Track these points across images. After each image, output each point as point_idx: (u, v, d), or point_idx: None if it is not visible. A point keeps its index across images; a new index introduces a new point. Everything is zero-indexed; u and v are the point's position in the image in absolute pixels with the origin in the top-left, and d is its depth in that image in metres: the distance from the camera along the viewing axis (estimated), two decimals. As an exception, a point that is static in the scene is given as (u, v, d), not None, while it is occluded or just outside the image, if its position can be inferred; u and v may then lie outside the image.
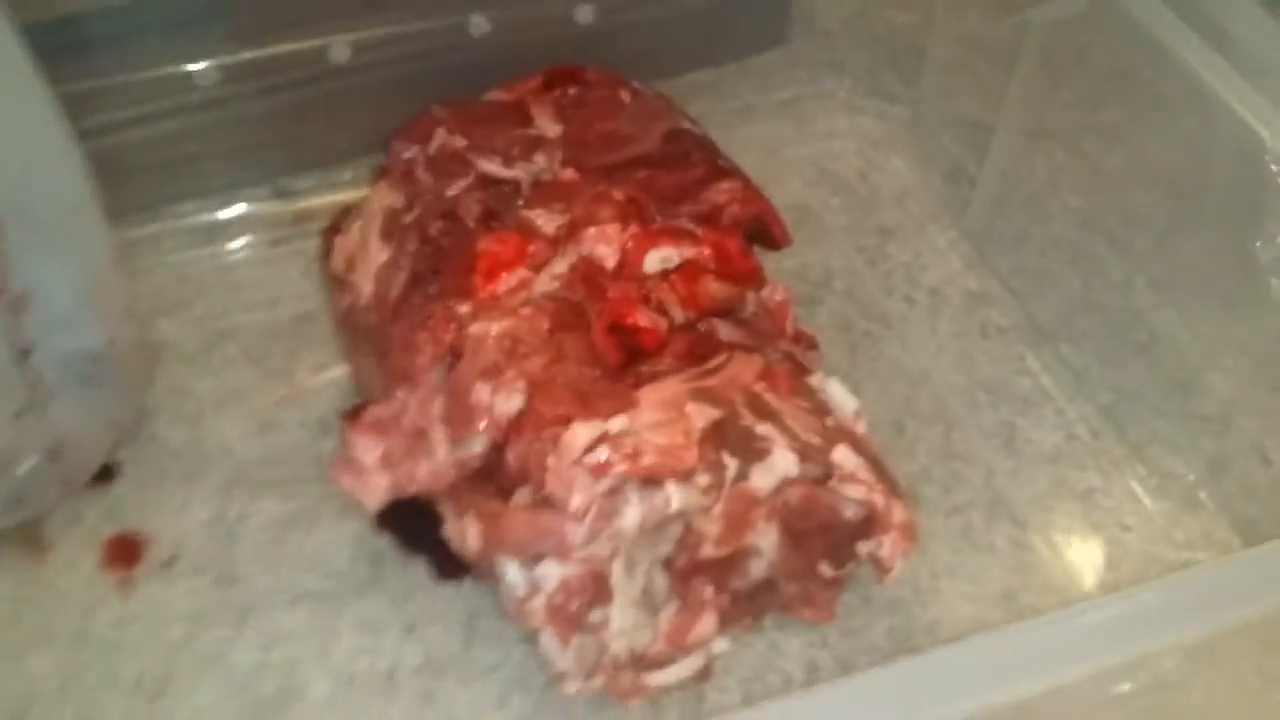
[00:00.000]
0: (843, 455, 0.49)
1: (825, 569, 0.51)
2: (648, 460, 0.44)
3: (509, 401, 0.46)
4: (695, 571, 0.48)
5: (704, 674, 0.50)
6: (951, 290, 0.66)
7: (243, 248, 0.67)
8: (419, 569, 0.55)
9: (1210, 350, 0.59)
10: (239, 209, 0.69)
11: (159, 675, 0.52)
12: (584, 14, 0.68)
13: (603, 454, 0.44)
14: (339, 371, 0.61)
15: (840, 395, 0.52)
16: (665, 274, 0.49)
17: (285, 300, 0.65)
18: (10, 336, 0.49)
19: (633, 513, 0.44)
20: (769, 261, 0.63)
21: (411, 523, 0.53)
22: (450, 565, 0.53)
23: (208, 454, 0.59)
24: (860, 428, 0.52)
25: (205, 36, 0.65)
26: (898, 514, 0.50)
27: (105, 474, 0.57)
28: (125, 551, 0.55)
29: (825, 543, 0.50)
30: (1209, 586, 0.41)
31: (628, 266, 0.49)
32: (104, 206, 0.53)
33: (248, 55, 0.65)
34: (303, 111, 0.68)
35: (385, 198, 0.53)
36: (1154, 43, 0.55)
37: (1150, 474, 0.59)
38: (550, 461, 0.44)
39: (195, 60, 0.64)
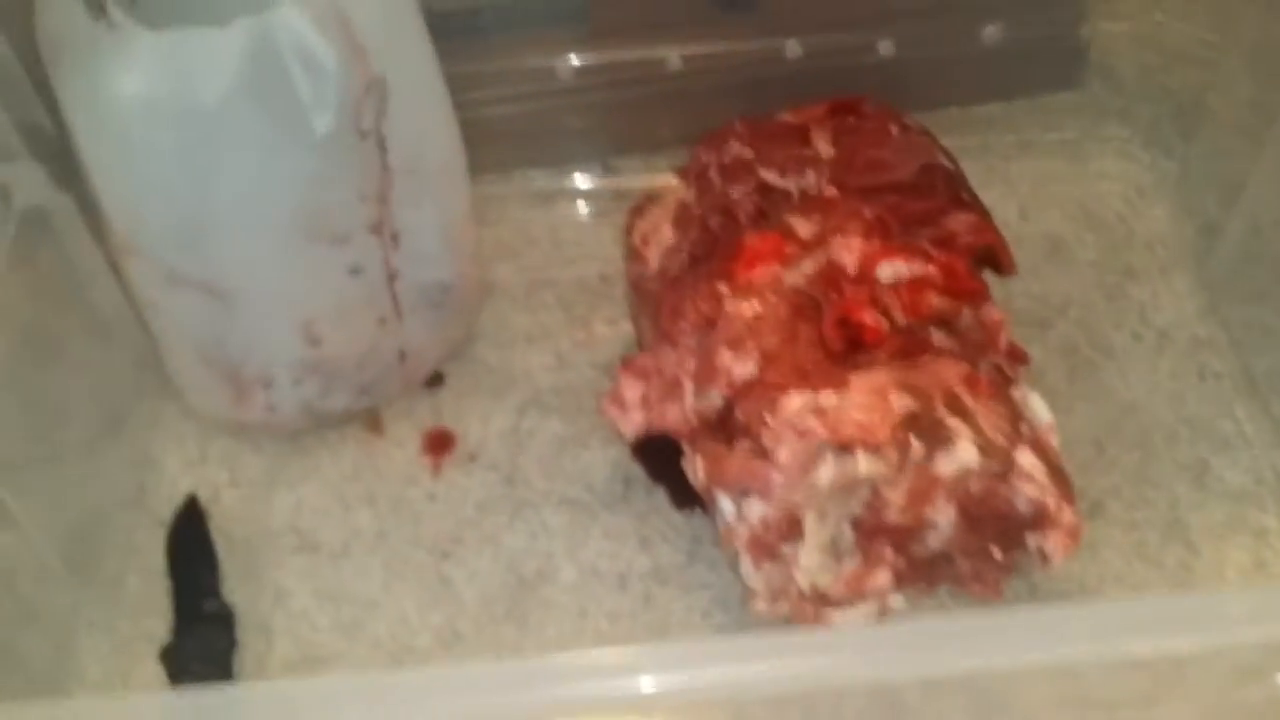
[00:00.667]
0: (1025, 457, 0.57)
1: (996, 552, 0.59)
2: (845, 431, 0.54)
3: (744, 367, 0.56)
4: (878, 532, 0.58)
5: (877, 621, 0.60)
6: (1179, 333, 0.72)
7: (571, 212, 0.81)
8: (660, 496, 0.66)
9: None
10: (573, 180, 0.82)
11: (450, 541, 0.65)
12: (886, 47, 0.77)
13: (810, 420, 0.54)
14: (627, 327, 0.73)
15: (1038, 407, 0.60)
16: (895, 283, 0.59)
17: (597, 261, 0.77)
18: (385, 263, 0.63)
19: (827, 471, 0.54)
20: (1015, 282, 0.72)
21: (660, 456, 0.64)
22: (686, 496, 0.64)
23: (514, 377, 0.72)
24: (1052, 439, 0.60)
25: (568, 37, 0.79)
26: (1067, 516, 0.57)
27: (435, 379, 0.72)
28: (440, 443, 0.70)
29: (997, 528, 0.58)
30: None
31: (864, 273, 0.59)
32: (468, 167, 0.67)
33: (600, 56, 0.78)
34: (636, 106, 0.80)
35: (680, 192, 0.65)
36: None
37: (1327, 528, 0.63)
38: (768, 419, 0.55)
39: (558, 55, 0.78)
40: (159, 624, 0.63)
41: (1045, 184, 0.80)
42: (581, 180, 0.82)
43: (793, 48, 0.77)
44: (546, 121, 0.80)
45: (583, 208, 0.81)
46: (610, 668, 0.44)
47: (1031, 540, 0.58)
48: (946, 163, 0.65)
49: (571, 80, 0.78)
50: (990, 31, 0.78)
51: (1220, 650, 0.44)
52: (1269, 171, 0.69)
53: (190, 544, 0.66)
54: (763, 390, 0.55)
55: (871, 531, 0.58)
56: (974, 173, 0.70)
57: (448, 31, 0.65)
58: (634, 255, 0.66)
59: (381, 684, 0.43)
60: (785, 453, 0.54)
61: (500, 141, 0.80)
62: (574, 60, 0.77)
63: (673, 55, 0.77)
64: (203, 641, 0.62)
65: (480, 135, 0.71)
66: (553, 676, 0.43)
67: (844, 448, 0.54)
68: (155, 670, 0.61)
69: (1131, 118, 0.82)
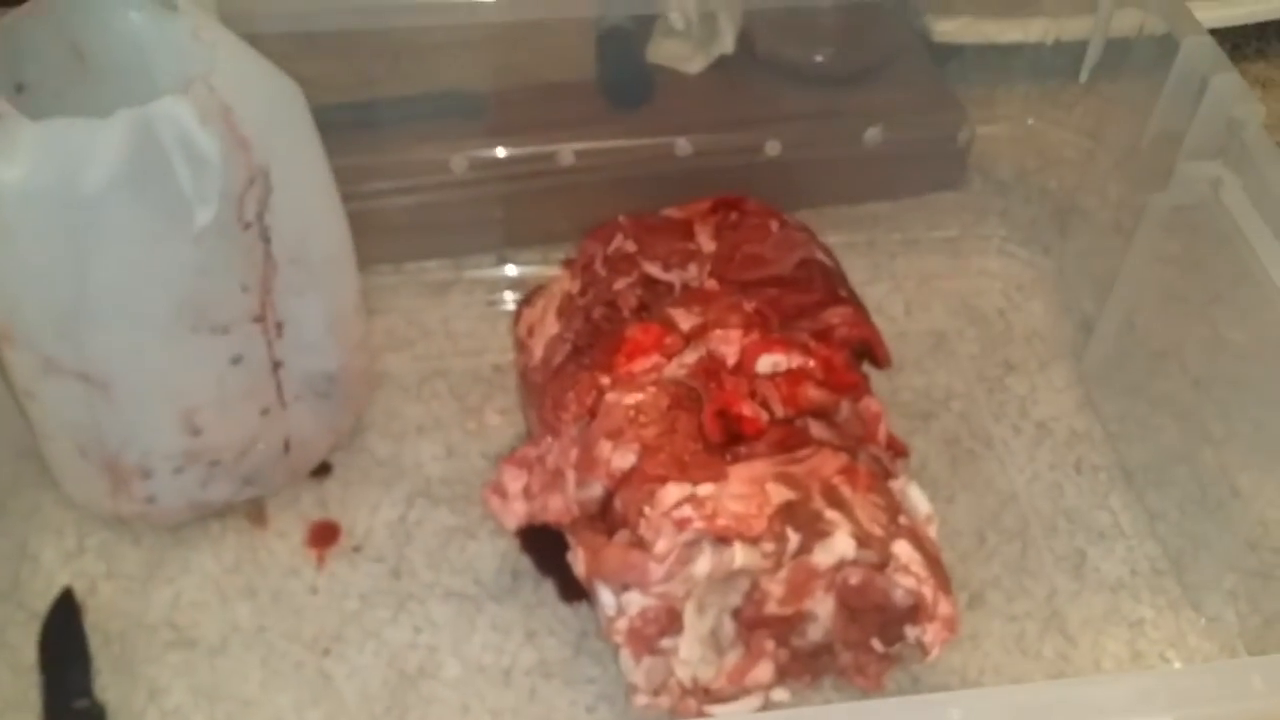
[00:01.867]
0: (902, 549, 0.58)
1: (877, 644, 0.60)
2: (721, 522, 0.54)
3: (623, 458, 0.57)
4: (759, 624, 0.58)
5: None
6: (1057, 426, 0.74)
7: (465, 304, 0.81)
8: (549, 588, 0.66)
9: (1285, 516, 0.64)
10: (468, 271, 0.82)
11: (331, 636, 0.64)
12: (773, 147, 0.79)
13: (687, 511, 0.54)
14: (519, 417, 0.73)
15: (917, 499, 0.61)
16: (774, 375, 0.60)
17: (490, 351, 0.78)
18: (269, 351, 0.63)
19: (704, 562, 0.54)
20: (898, 375, 0.73)
21: (549, 548, 0.64)
22: (573, 589, 0.64)
23: (403, 467, 0.72)
24: (931, 530, 0.61)
25: (463, 131, 0.80)
26: (944, 607, 0.58)
27: (322, 470, 0.71)
28: (325, 534, 0.69)
29: (877, 621, 0.59)
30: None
31: (744, 365, 0.60)
32: (360, 256, 0.67)
33: (493, 152, 0.79)
34: (531, 199, 0.81)
35: (566, 283, 0.66)
36: (1246, 243, 0.62)
37: (1200, 617, 0.65)
38: (646, 510, 0.55)
39: (452, 150, 0.79)
40: (27, 722, 0.61)
41: (929, 280, 0.82)
42: (476, 271, 0.82)
43: (683, 146, 0.79)
44: (441, 214, 0.81)
45: (477, 299, 0.81)
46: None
47: (910, 632, 0.59)
48: (825, 258, 0.67)
49: (466, 173, 0.79)
50: (873, 134, 0.80)
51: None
52: (1137, 268, 0.72)
53: (63, 639, 0.64)
54: (641, 481, 0.56)
55: (752, 624, 0.58)
56: (860, 268, 0.72)
57: (340, 124, 0.65)
58: (520, 346, 0.66)
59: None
60: (663, 543, 0.54)
61: (394, 233, 0.80)
62: (469, 154, 0.78)
63: (566, 151, 0.78)
64: (72, 742, 0.60)
65: (373, 226, 0.72)
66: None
67: (721, 539, 0.54)
68: (21, 772, 0.60)
69: (1011, 217, 0.85)
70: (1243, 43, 0.96)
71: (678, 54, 0.83)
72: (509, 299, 0.80)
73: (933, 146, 0.84)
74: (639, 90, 0.83)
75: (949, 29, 0.86)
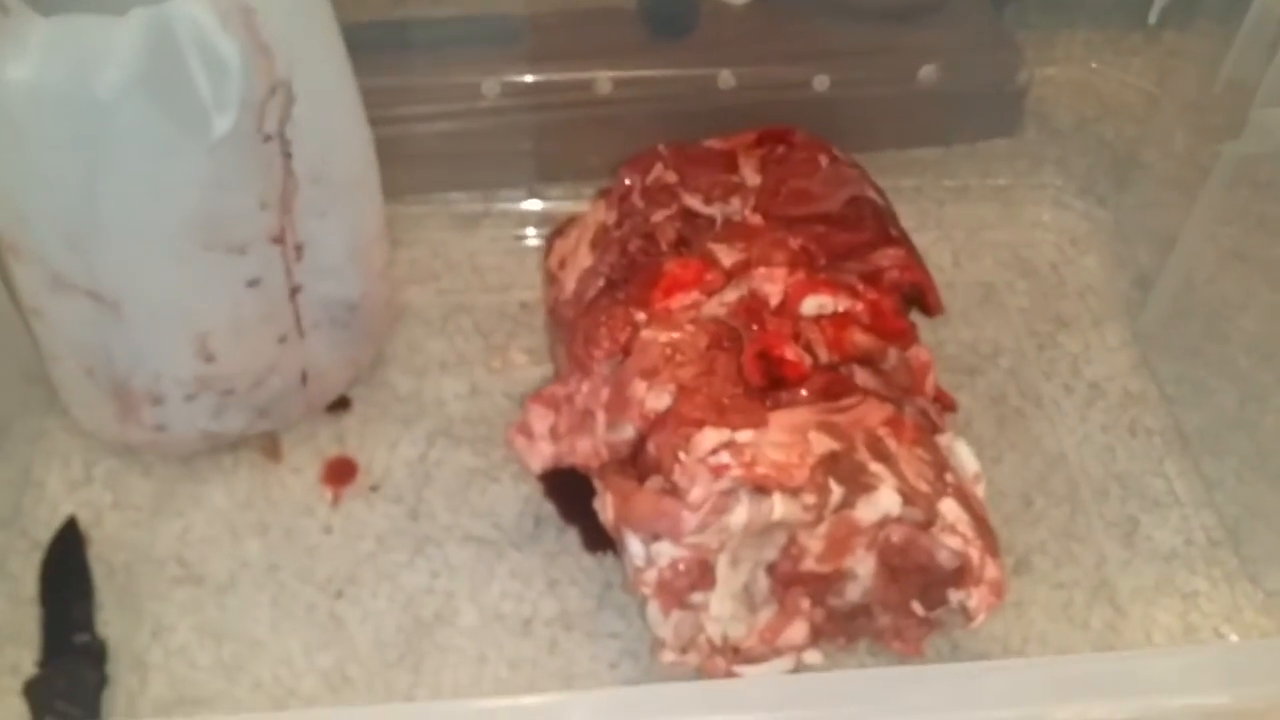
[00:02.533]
0: (949, 507, 0.55)
1: (917, 607, 0.56)
2: (761, 470, 0.51)
3: (658, 399, 0.54)
4: (795, 581, 0.55)
5: (791, 676, 0.57)
6: (1110, 386, 0.70)
7: (492, 238, 0.78)
8: (572, 536, 0.63)
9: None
10: (497, 204, 0.79)
11: (344, 578, 0.62)
12: (820, 83, 0.75)
13: (724, 457, 0.51)
14: (545, 356, 0.70)
15: (965, 456, 0.58)
16: (819, 318, 0.56)
17: (517, 288, 0.75)
18: (287, 275, 0.60)
19: (741, 512, 0.51)
20: (945, 328, 0.70)
21: (574, 495, 0.62)
22: (598, 538, 0.61)
23: (425, 404, 0.69)
24: (979, 489, 0.58)
25: (496, 56, 0.76)
26: (990, 571, 0.55)
27: (340, 404, 0.68)
28: (341, 471, 0.66)
29: (919, 582, 0.56)
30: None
31: (788, 306, 0.56)
32: (386, 185, 0.64)
33: (528, 77, 0.76)
34: (565, 130, 0.78)
35: (601, 214, 0.63)
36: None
37: (1257, 591, 0.62)
38: (681, 456, 0.52)
39: (484, 74, 0.75)
40: (26, 655, 0.59)
41: (978, 230, 0.78)
42: (505, 205, 0.79)
43: (726, 79, 0.75)
44: (471, 143, 0.78)
45: (505, 233, 0.78)
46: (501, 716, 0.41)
47: (954, 596, 0.56)
48: (876, 197, 0.63)
49: (498, 100, 0.75)
50: (926, 73, 0.76)
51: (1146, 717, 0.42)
52: (1201, 226, 0.68)
53: (66, 571, 0.61)
54: (677, 424, 0.53)
55: (788, 580, 0.55)
56: (908, 216, 0.68)
57: (370, 43, 0.62)
58: (551, 279, 0.63)
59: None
60: (698, 491, 0.51)
61: (422, 161, 0.77)
62: (502, 80, 0.74)
63: (603, 79, 0.75)
64: (71, 677, 0.58)
65: (401, 154, 0.68)
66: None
67: (759, 488, 0.51)
68: (18, 706, 0.57)
69: (1067, 166, 0.81)
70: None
71: (724, -16, 0.79)
72: (538, 234, 0.77)
73: (988, 89, 0.80)
74: (683, 19, 0.79)
75: (1011, -32, 0.82)
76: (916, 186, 0.80)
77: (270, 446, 0.66)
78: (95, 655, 0.58)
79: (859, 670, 0.55)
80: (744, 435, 0.52)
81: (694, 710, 0.41)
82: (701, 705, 0.42)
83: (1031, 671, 0.46)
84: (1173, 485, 0.66)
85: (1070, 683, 0.42)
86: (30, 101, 0.51)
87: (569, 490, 0.62)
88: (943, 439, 0.58)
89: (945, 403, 0.61)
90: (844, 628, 0.58)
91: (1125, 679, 0.42)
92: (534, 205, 0.79)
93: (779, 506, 0.51)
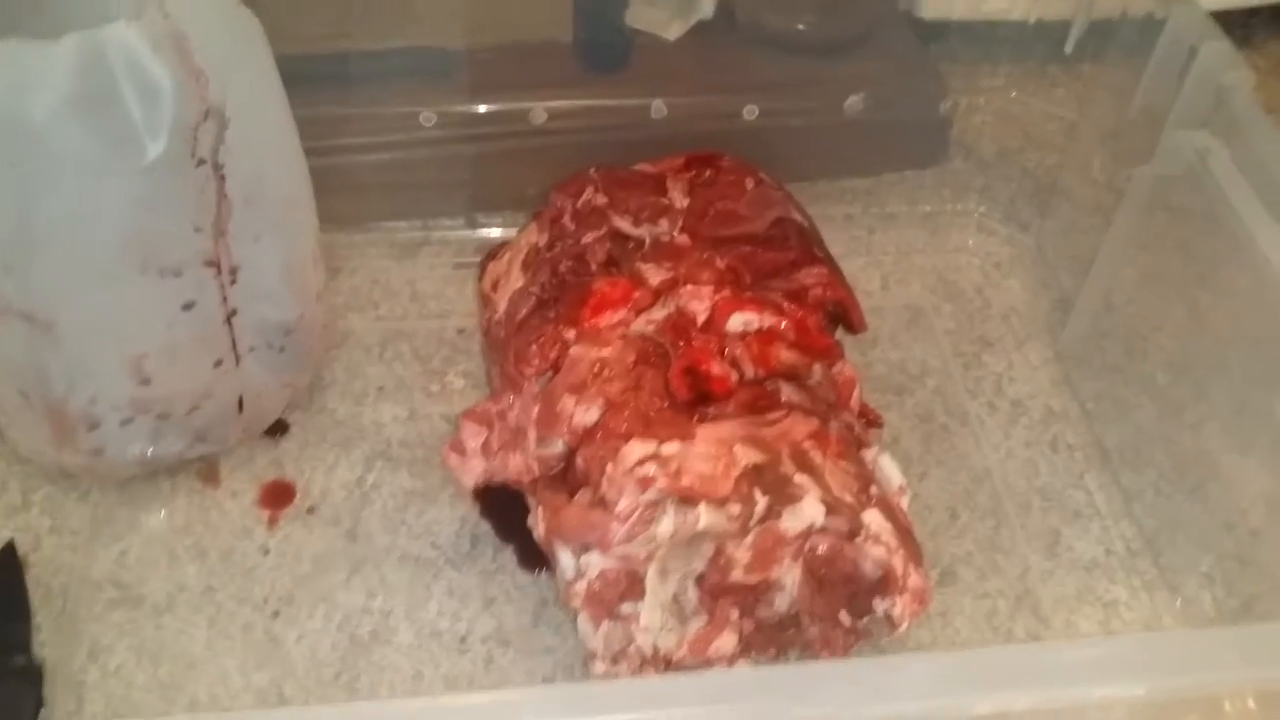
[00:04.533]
0: (872, 518, 0.56)
1: (845, 617, 0.58)
2: (686, 481, 0.52)
3: (587, 414, 0.55)
4: (724, 592, 0.56)
5: (721, 685, 0.57)
6: (1033, 404, 0.72)
7: (431, 265, 0.79)
8: (508, 555, 0.64)
9: (1262, 498, 0.63)
10: (436, 233, 0.81)
11: (281, 598, 0.62)
12: (750, 112, 0.77)
13: (650, 469, 0.52)
14: (482, 380, 0.71)
15: (890, 469, 0.59)
16: (744, 335, 0.58)
17: (455, 314, 0.76)
18: (222, 298, 0.61)
19: (667, 523, 0.52)
20: (873, 349, 0.72)
21: (510, 513, 0.63)
22: (534, 556, 0.62)
23: (363, 428, 0.70)
24: (903, 502, 0.59)
25: (434, 87, 0.78)
26: (914, 579, 0.56)
27: (278, 428, 0.69)
28: (279, 495, 0.67)
29: (846, 592, 0.57)
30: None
31: (714, 323, 0.58)
32: (327, 214, 0.65)
33: (464, 107, 0.77)
34: (502, 160, 0.79)
35: (533, 236, 0.64)
36: (1233, 213, 0.60)
37: (1175, 599, 0.63)
38: (608, 468, 0.53)
39: (423, 105, 0.77)
40: (-40, 679, 0.59)
41: (907, 254, 0.80)
42: (444, 233, 0.80)
43: (659, 108, 0.77)
44: (410, 172, 0.79)
45: (444, 260, 0.79)
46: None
47: (879, 604, 0.57)
48: (800, 219, 0.65)
49: (436, 130, 0.77)
50: (853, 102, 0.78)
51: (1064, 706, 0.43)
52: (1117, 248, 0.70)
53: (3, 593, 0.61)
54: (605, 437, 0.54)
55: (716, 591, 0.56)
56: (839, 242, 0.70)
57: (309, 75, 0.63)
58: (485, 301, 0.64)
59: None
60: (625, 502, 0.52)
61: (362, 191, 0.78)
62: (440, 110, 0.76)
63: (538, 109, 0.76)
64: (8, 698, 0.58)
65: (342, 184, 0.70)
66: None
67: (685, 499, 0.52)
68: (-50, 729, 0.57)
69: (991, 194, 0.83)
70: (1226, 31, 0.94)
71: (656, 19, 0.81)
72: (476, 262, 0.78)
73: (913, 119, 0.83)
74: (616, 53, 0.81)
75: (935, 4, 0.84)
76: (847, 214, 0.82)
77: (208, 471, 0.67)
78: (32, 677, 0.58)
79: (784, 665, 0.56)
80: (670, 448, 0.53)
81: (621, 707, 0.42)
82: (630, 701, 0.42)
83: (953, 662, 0.47)
84: (1093, 498, 0.68)
85: (991, 673, 0.43)
86: (-37, 124, 0.51)
87: (505, 509, 0.63)
88: (868, 453, 0.59)
89: (870, 418, 0.62)
90: (774, 639, 0.58)
91: (1046, 669, 0.43)
92: (474, 233, 0.80)
93: (704, 516, 0.52)
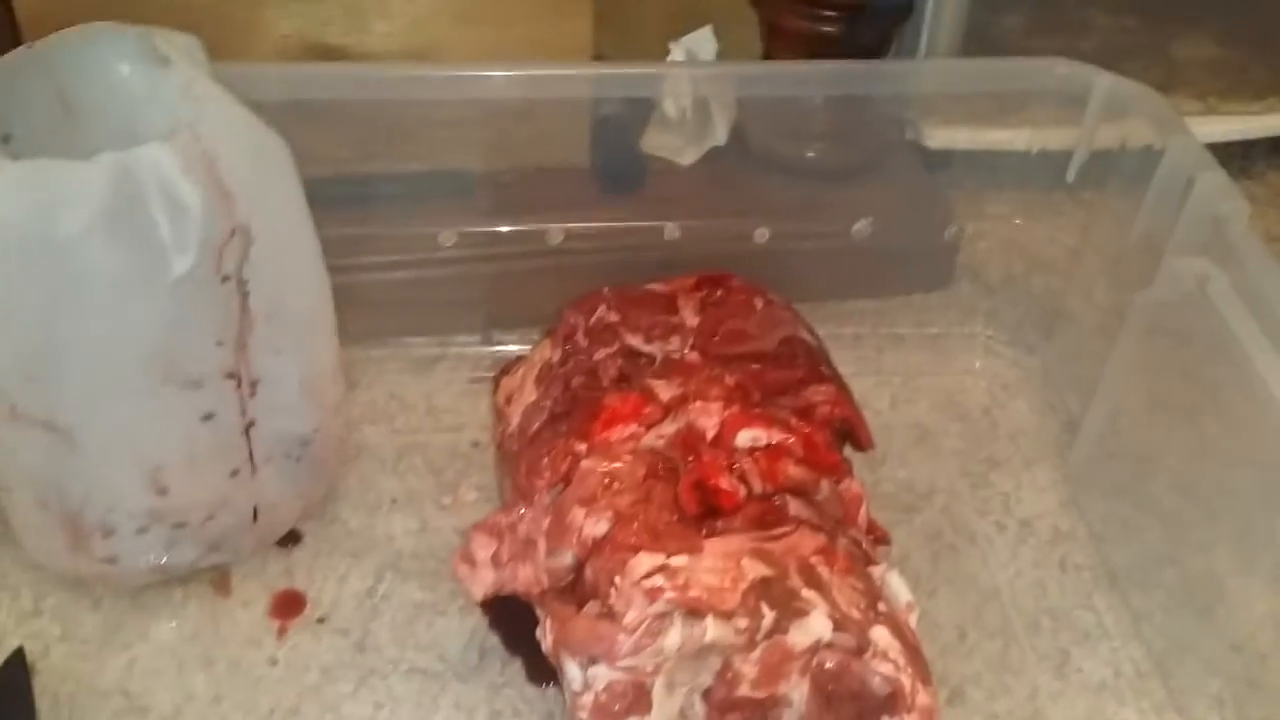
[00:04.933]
0: (880, 635, 0.56)
1: (852, 735, 0.58)
2: (694, 593, 0.53)
3: (596, 525, 0.56)
4: (731, 708, 0.56)
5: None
6: (1041, 524, 0.72)
7: (447, 381, 0.80)
8: (516, 668, 0.64)
9: (1270, 620, 0.63)
10: (452, 349, 0.82)
11: (288, 710, 0.62)
12: (761, 235, 0.79)
13: (658, 581, 0.53)
14: (495, 493, 0.72)
15: (898, 586, 0.60)
16: (753, 450, 0.59)
17: (469, 428, 0.77)
18: (241, 410, 0.62)
19: (675, 635, 0.53)
20: (882, 467, 0.72)
21: (518, 626, 0.63)
22: (542, 669, 0.62)
23: (375, 540, 0.70)
24: (911, 619, 0.59)
25: (453, 208, 0.80)
26: (922, 698, 0.56)
27: (291, 538, 0.69)
28: (289, 604, 0.67)
29: (853, 710, 0.57)
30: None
31: (723, 438, 0.59)
32: (346, 329, 0.67)
33: (483, 228, 0.80)
34: (519, 278, 0.81)
35: (547, 351, 0.65)
36: (1234, 339, 0.61)
37: (1184, 721, 0.63)
38: (617, 580, 0.54)
39: (441, 225, 0.79)
40: (-35, 787, 0.59)
41: (914, 376, 0.82)
42: (461, 349, 0.82)
43: (671, 230, 0.79)
44: (428, 291, 0.81)
45: (460, 375, 0.80)
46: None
47: (887, 722, 0.57)
48: (809, 337, 0.66)
49: (454, 250, 0.79)
50: (861, 227, 0.80)
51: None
52: (1120, 372, 0.71)
53: (9, 700, 0.62)
54: (613, 549, 0.54)
55: (724, 706, 0.56)
56: (846, 362, 0.71)
57: (332, 197, 0.65)
58: (498, 415, 0.65)
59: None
60: (633, 614, 0.53)
61: (381, 308, 0.80)
62: (458, 230, 0.78)
63: (555, 230, 0.78)
64: (9, 807, 0.58)
65: (361, 300, 0.71)
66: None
67: (693, 611, 0.53)
68: (-47, 837, 0.57)
69: (997, 317, 0.84)
70: (1226, 161, 0.96)
71: (671, 145, 0.84)
72: (492, 376, 0.79)
73: (920, 243, 0.84)
74: (632, 177, 0.83)
75: (940, 134, 0.87)
76: (856, 335, 0.84)
77: (220, 580, 0.68)
78: (35, 786, 0.59)
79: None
80: (679, 560, 0.54)
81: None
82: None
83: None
84: (1102, 619, 0.68)
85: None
86: (-4, 238, 0.53)
87: (514, 622, 0.64)
88: (876, 570, 0.60)
89: (878, 535, 0.63)
90: (781, 756, 0.58)
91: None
92: (490, 350, 0.82)
93: (712, 629, 0.53)
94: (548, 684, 0.63)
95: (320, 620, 0.66)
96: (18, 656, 0.63)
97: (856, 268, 0.83)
